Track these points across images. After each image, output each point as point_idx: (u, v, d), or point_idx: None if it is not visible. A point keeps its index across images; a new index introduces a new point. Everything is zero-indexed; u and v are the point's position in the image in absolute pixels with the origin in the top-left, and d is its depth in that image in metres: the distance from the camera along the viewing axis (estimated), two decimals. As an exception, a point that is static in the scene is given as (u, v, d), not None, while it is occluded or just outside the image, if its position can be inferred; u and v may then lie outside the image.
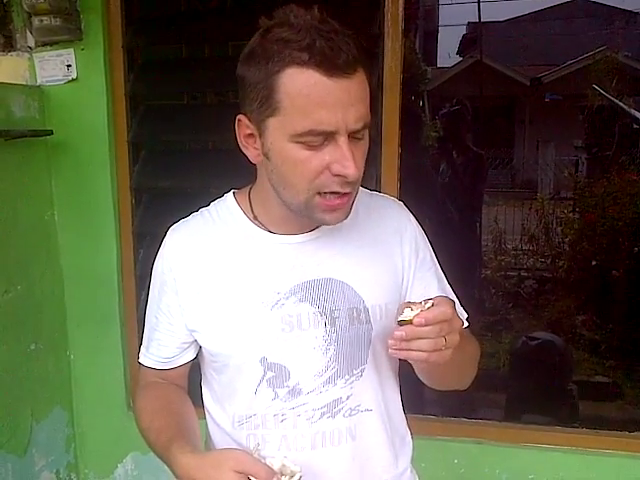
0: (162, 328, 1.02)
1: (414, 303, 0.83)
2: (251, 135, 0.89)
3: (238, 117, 0.90)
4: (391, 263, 1.01)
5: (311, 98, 0.80)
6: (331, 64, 0.78)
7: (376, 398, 1.01)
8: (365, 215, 1.03)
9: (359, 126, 0.83)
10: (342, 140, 0.82)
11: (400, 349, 0.81)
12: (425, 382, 1.03)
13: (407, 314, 0.81)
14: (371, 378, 0.99)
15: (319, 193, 0.86)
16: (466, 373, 1.05)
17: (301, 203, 0.88)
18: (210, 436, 1.07)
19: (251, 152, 0.91)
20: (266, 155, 0.88)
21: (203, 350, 1.02)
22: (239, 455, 0.84)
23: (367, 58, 0.86)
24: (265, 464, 0.82)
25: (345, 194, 0.87)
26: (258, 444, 0.91)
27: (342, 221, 0.92)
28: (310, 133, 0.81)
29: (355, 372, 0.97)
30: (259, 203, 0.98)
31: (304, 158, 0.83)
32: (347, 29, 0.83)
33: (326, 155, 0.83)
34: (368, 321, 0.97)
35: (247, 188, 1.02)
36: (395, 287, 1.02)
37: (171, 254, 1.01)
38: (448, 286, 1.09)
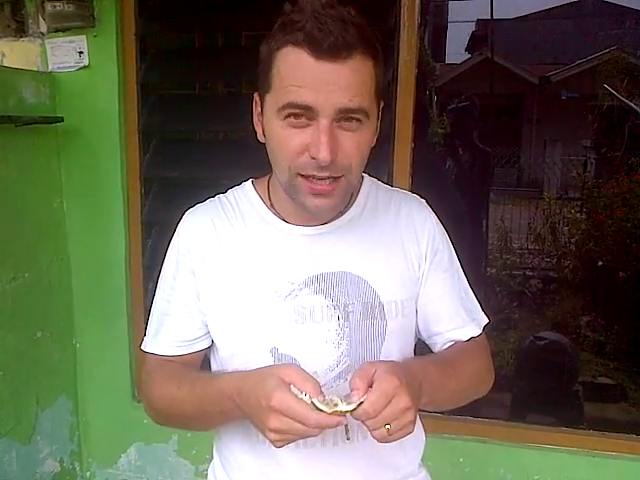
0: (177, 311, 0.99)
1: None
2: (260, 113, 0.91)
3: (254, 95, 0.92)
4: (407, 260, 1.00)
5: (296, 75, 0.81)
6: (318, 46, 0.79)
7: None
8: (384, 211, 1.02)
9: (346, 106, 0.82)
10: (322, 123, 0.82)
11: None
12: None
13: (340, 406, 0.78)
14: None
15: (301, 175, 0.86)
16: (466, 396, 1.03)
17: (286, 182, 0.89)
18: (219, 430, 1.06)
19: (259, 130, 0.92)
20: (264, 133, 0.90)
21: (212, 338, 1.00)
22: (287, 366, 0.83)
23: (375, 49, 0.85)
24: (313, 378, 0.79)
25: (330, 184, 0.86)
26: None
27: (327, 212, 0.92)
28: (290, 106, 0.82)
29: None
30: (274, 192, 0.99)
31: (287, 136, 0.85)
32: (359, 19, 0.83)
33: (307, 137, 0.83)
34: (383, 317, 0.96)
35: (266, 177, 1.01)
36: (411, 285, 1.00)
37: (188, 236, 1.00)
38: (466, 292, 1.07)
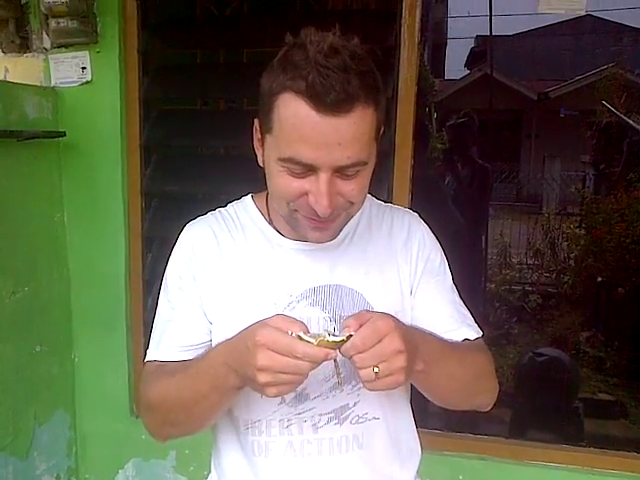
0: (182, 316, 0.99)
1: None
2: (260, 139, 0.92)
3: (255, 121, 0.92)
4: (400, 272, 1.02)
5: (296, 129, 0.81)
6: (320, 101, 0.78)
7: (383, 406, 1.00)
8: (377, 226, 1.05)
9: (345, 164, 0.83)
10: (322, 176, 0.83)
11: None
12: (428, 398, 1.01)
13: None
14: None
15: (298, 211, 0.89)
16: (469, 390, 1.01)
17: (285, 215, 0.92)
18: (217, 443, 1.06)
19: (259, 155, 0.94)
20: (264, 164, 0.92)
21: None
22: (273, 316, 0.82)
23: (377, 93, 0.84)
24: (300, 321, 0.79)
25: (330, 220, 0.89)
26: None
27: (327, 241, 0.95)
28: (290, 161, 0.83)
29: None
30: (273, 208, 1.00)
31: (285, 181, 0.86)
32: (363, 60, 0.81)
33: (306, 184, 0.85)
34: None
35: (265, 192, 1.03)
36: (404, 296, 1.02)
37: (191, 246, 1.01)
38: (458, 300, 1.07)
